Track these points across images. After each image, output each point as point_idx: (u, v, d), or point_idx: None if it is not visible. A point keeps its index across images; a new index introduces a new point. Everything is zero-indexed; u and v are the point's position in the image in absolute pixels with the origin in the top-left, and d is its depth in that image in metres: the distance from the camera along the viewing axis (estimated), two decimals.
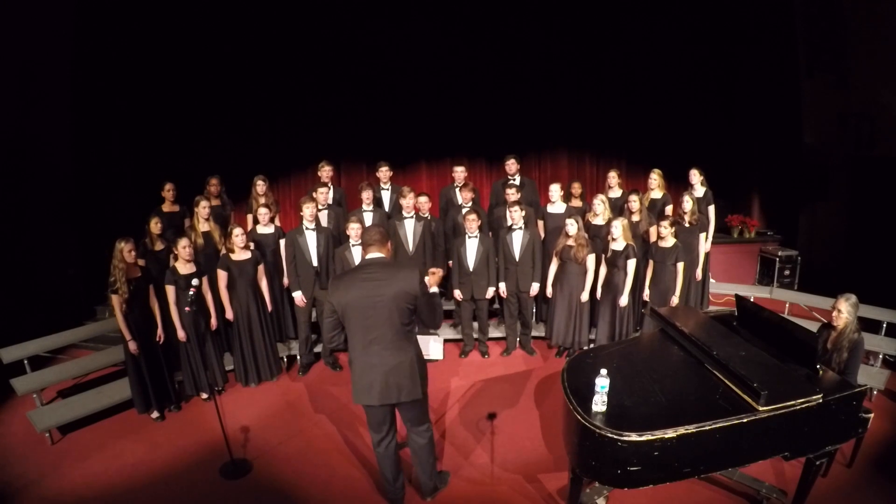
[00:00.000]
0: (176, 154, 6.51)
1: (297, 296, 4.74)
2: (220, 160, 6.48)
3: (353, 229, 4.53)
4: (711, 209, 5.40)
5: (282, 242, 4.91)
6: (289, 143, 7.19)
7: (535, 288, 4.97)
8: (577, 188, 5.83)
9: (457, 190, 5.50)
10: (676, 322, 3.35)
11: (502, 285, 4.96)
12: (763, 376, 2.62)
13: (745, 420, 2.45)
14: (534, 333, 5.42)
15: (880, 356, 4.70)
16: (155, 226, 4.67)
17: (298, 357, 5.02)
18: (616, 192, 5.57)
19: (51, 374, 4.57)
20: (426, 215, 5.13)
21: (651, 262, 4.79)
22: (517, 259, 4.87)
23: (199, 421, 4.19)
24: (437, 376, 4.57)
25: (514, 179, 5.59)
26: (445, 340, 5.38)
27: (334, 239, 4.91)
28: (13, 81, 5.42)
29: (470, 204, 5.27)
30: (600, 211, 5.07)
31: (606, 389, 2.55)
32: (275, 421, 4.19)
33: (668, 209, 5.30)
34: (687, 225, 5.09)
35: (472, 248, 4.83)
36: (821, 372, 2.83)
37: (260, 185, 5.25)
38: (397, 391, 2.85)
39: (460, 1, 7.01)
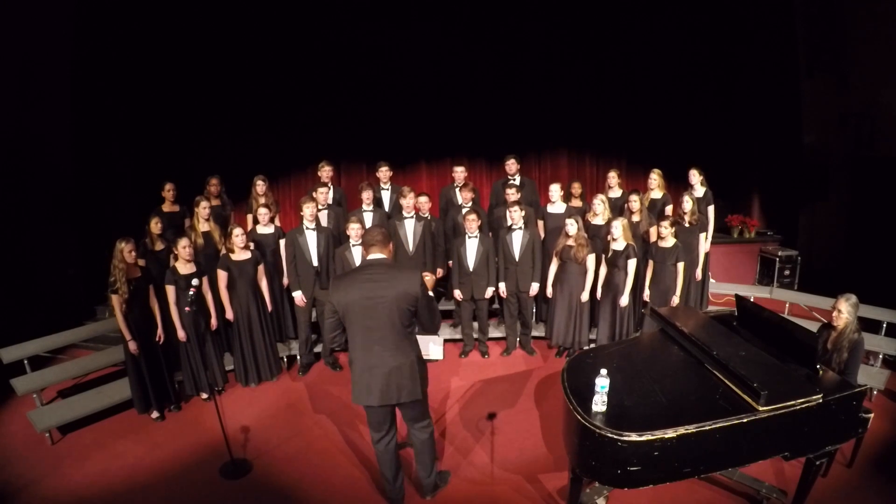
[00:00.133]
0: (176, 154, 6.51)
1: (298, 296, 4.74)
2: (220, 160, 6.48)
3: (354, 229, 4.52)
4: (711, 209, 5.40)
5: (282, 242, 4.91)
6: (289, 143, 7.19)
7: (534, 288, 4.97)
8: (577, 188, 5.83)
9: (457, 190, 5.50)
10: (676, 322, 3.35)
11: (502, 285, 4.96)
12: (763, 376, 2.62)
13: (745, 420, 2.45)
14: (534, 333, 5.42)
15: (880, 356, 4.70)
16: (155, 226, 4.67)
17: (298, 357, 5.02)
18: (616, 192, 5.57)
19: (51, 374, 4.57)
20: (426, 215, 5.13)
21: (651, 263, 4.79)
22: (517, 259, 4.87)
23: (199, 421, 4.19)
24: (437, 376, 4.57)
25: (514, 179, 5.59)
26: (445, 340, 5.38)
27: (334, 239, 4.91)
28: (13, 81, 5.42)
29: (470, 204, 5.27)
30: (600, 211, 5.07)
31: (606, 389, 2.55)
32: (275, 421, 4.19)
33: (668, 209, 5.30)
34: (687, 225, 5.09)
35: (472, 248, 4.83)
36: (821, 372, 2.83)
37: (260, 185, 5.25)
38: (398, 392, 2.85)
39: (460, 1, 7.01)
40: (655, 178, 5.42)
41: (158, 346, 4.22)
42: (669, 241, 4.69)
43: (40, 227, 5.68)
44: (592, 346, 4.96)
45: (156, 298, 4.21)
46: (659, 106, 7.44)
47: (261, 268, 4.66)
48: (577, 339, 4.99)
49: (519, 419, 4.13)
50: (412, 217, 4.98)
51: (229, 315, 4.54)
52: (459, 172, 5.58)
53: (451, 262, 5.13)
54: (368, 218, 5.10)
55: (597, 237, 5.01)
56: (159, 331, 4.20)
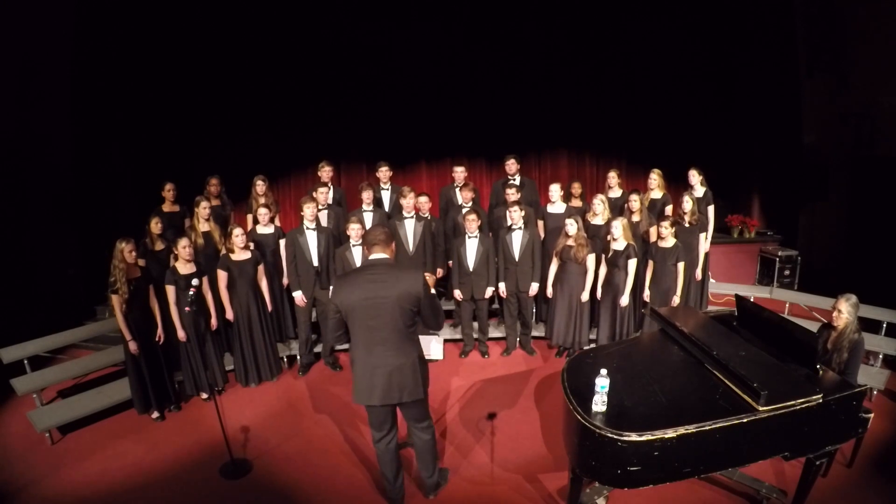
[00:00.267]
0: (176, 154, 6.51)
1: (298, 296, 4.74)
2: (220, 160, 6.49)
3: (354, 230, 4.52)
4: (711, 209, 5.40)
5: (282, 242, 4.91)
6: (289, 143, 7.18)
7: (534, 288, 4.97)
8: (577, 188, 5.83)
9: (457, 190, 5.50)
10: (676, 322, 3.35)
11: (502, 285, 4.96)
12: (763, 376, 2.62)
13: (745, 420, 2.45)
14: (534, 333, 5.42)
15: (880, 356, 4.70)
16: (155, 226, 4.67)
17: (298, 357, 5.02)
18: (616, 192, 5.57)
19: (51, 374, 4.57)
20: (426, 215, 5.13)
21: (651, 263, 4.79)
22: (517, 259, 4.87)
23: (199, 421, 4.19)
24: (437, 376, 4.57)
25: (514, 179, 5.59)
26: (445, 340, 5.38)
27: (335, 239, 4.91)
28: (13, 81, 5.42)
29: (470, 204, 5.27)
30: (600, 211, 5.07)
31: (606, 389, 2.55)
32: (275, 421, 4.19)
33: (668, 209, 5.30)
34: (687, 225, 5.09)
35: (472, 248, 4.83)
36: (821, 372, 2.83)
37: (260, 185, 5.25)
38: (399, 391, 2.85)
39: (460, 1, 7.01)
40: (655, 178, 5.42)
41: (158, 346, 4.22)
42: (669, 241, 4.69)
43: (40, 227, 5.68)
44: (592, 346, 4.96)
45: (156, 298, 4.21)
46: (659, 106, 7.44)
47: (261, 268, 4.66)
48: (577, 339, 4.99)
49: (519, 419, 4.13)
50: (412, 217, 4.98)
51: (229, 315, 4.54)
52: (459, 172, 5.58)
53: (451, 262, 5.13)
54: (368, 218, 5.10)
55: (596, 237, 5.01)
56: (159, 331, 4.20)
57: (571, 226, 4.69)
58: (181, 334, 4.23)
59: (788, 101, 6.92)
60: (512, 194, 5.01)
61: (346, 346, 5.11)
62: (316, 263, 4.72)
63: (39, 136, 5.60)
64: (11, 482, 3.49)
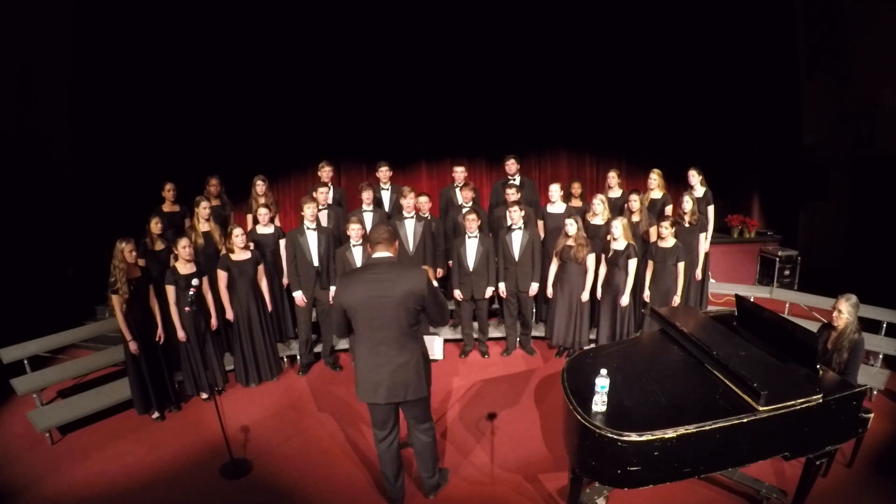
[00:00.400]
0: (176, 154, 6.51)
1: (298, 296, 4.74)
2: (220, 160, 6.48)
3: (354, 230, 4.52)
4: (711, 209, 5.40)
5: (282, 242, 4.91)
6: (289, 143, 7.18)
7: (534, 288, 4.97)
8: (576, 188, 5.83)
9: (457, 190, 5.50)
10: (676, 322, 3.35)
11: (502, 285, 4.96)
12: (763, 376, 2.62)
13: (745, 420, 2.45)
14: (534, 333, 5.42)
15: (880, 356, 4.70)
16: (155, 226, 4.67)
17: (298, 357, 5.02)
18: (616, 192, 5.56)
19: (51, 374, 4.57)
20: (426, 215, 5.13)
21: (651, 263, 4.79)
22: (517, 259, 4.87)
23: (199, 421, 4.19)
24: (437, 376, 4.52)
25: (514, 179, 5.59)
26: (445, 340, 5.38)
27: (335, 239, 4.91)
28: (13, 81, 5.42)
29: (470, 204, 5.27)
30: (599, 211, 5.07)
31: (606, 389, 2.55)
32: (275, 421, 4.19)
33: (668, 209, 5.30)
34: (687, 225, 5.08)
35: (471, 248, 4.83)
36: (821, 372, 2.83)
37: (260, 186, 5.25)
38: (404, 390, 2.86)
39: (460, 1, 7.01)
40: (655, 178, 5.42)
41: (159, 346, 4.22)
42: (669, 241, 4.69)
43: (40, 227, 5.68)
44: (592, 346, 4.96)
45: (156, 298, 4.20)
46: (659, 106, 7.44)
47: (261, 268, 4.66)
48: (578, 339, 4.99)
49: (519, 419, 4.13)
50: (412, 217, 4.98)
51: (229, 315, 4.54)
52: (459, 172, 5.58)
53: (451, 262, 5.13)
54: (368, 218, 5.10)
55: (596, 237, 5.01)
56: (159, 331, 4.20)
57: (571, 226, 4.70)
58: (181, 334, 4.23)
59: (788, 101, 6.92)
60: (512, 194, 5.01)
61: (346, 346, 5.19)
62: (316, 263, 4.72)
63: (39, 136, 5.60)
64: (11, 482, 3.49)
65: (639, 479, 2.45)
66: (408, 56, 7.17)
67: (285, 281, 4.98)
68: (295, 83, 7.05)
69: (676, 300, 4.70)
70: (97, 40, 5.92)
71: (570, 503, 3.00)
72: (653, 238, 4.92)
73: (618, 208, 5.40)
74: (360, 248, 4.57)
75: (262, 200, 5.16)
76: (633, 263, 4.66)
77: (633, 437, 2.37)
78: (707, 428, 2.41)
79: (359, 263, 4.54)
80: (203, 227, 4.85)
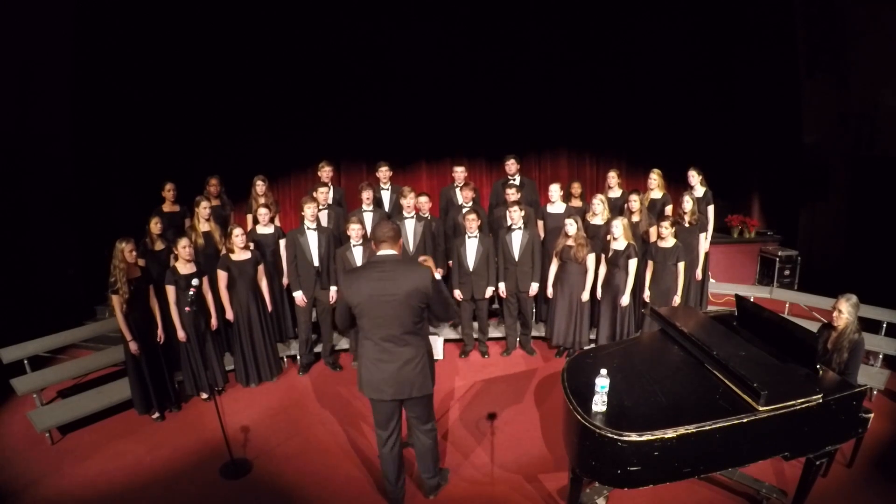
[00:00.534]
0: (176, 154, 6.51)
1: (298, 296, 4.74)
2: (220, 160, 6.48)
3: (354, 230, 4.52)
4: (711, 209, 5.40)
5: (281, 242, 4.91)
6: (289, 143, 7.19)
7: (534, 288, 4.97)
8: (576, 188, 5.84)
9: (457, 190, 5.50)
10: (676, 322, 3.35)
11: (502, 285, 4.96)
12: (763, 376, 2.62)
13: (745, 420, 2.45)
14: (534, 333, 5.42)
15: (880, 356, 4.70)
16: (155, 226, 4.67)
17: (298, 357, 5.02)
18: (616, 192, 5.56)
19: (51, 374, 4.57)
20: (426, 215, 5.13)
21: (651, 263, 4.79)
22: (517, 259, 4.87)
23: (199, 421, 4.19)
24: (437, 376, 4.47)
25: (514, 179, 5.59)
26: (445, 340, 5.38)
27: (335, 239, 4.91)
28: (13, 81, 5.42)
29: (470, 204, 5.27)
30: (599, 211, 5.07)
31: (606, 389, 2.55)
32: (275, 421, 4.19)
33: (668, 209, 5.30)
34: (687, 225, 5.09)
35: (471, 248, 4.83)
36: (821, 372, 2.83)
37: (260, 186, 5.25)
38: (409, 387, 2.88)
39: (460, 1, 7.01)
40: (655, 178, 5.42)
41: (159, 346, 4.22)
42: (669, 241, 4.69)
43: (40, 227, 5.68)
44: (592, 346, 4.96)
45: (156, 298, 4.20)
46: (659, 106, 7.44)
47: (261, 268, 4.66)
48: (578, 339, 4.99)
49: (519, 419, 4.13)
50: (412, 217, 4.98)
51: (229, 315, 4.54)
52: (459, 172, 5.58)
53: (451, 262, 5.13)
54: (368, 218, 5.09)
55: (596, 237, 5.01)
56: (159, 331, 4.19)
57: (571, 226, 4.70)
58: (181, 334, 4.23)
59: (788, 101, 6.92)
60: (512, 194, 5.01)
61: (346, 345, 5.19)
62: (317, 263, 4.72)
63: (39, 136, 5.60)
64: (11, 482, 3.49)
65: (639, 479, 2.45)
66: (408, 56, 7.17)
67: (285, 281, 4.98)
68: (295, 83, 7.05)
69: (676, 300, 4.70)
70: (97, 40, 5.92)
71: (570, 503, 3.00)
72: (653, 238, 4.92)
73: (618, 208, 5.40)
74: (361, 248, 4.57)
75: (262, 200, 5.16)
76: (633, 263, 4.66)
77: (633, 437, 2.37)
78: (707, 428, 2.41)
79: (359, 263, 4.54)
80: (203, 227, 4.84)
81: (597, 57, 7.37)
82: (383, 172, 5.57)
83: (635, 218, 5.11)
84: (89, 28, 5.83)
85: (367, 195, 5.18)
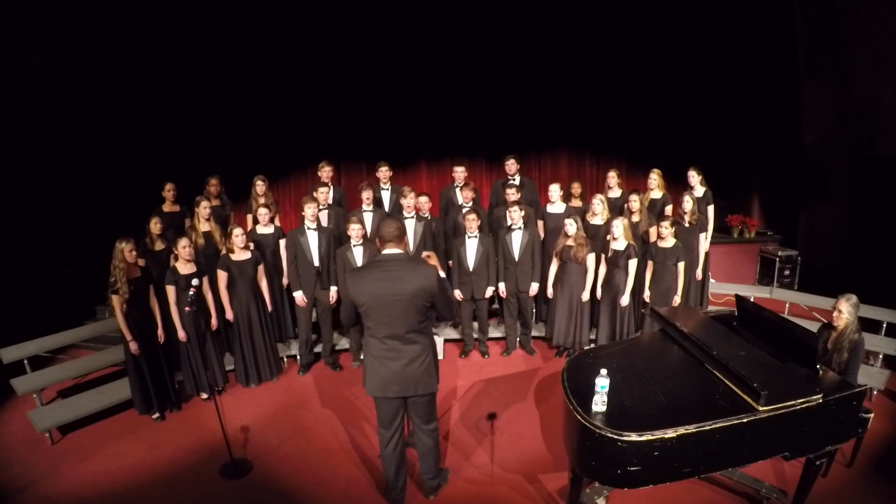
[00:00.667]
0: (176, 154, 6.51)
1: (298, 296, 4.74)
2: (220, 160, 6.48)
3: (354, 230, 4.52)
4: (711, 209, 5.40)
5: (282, 242, 4.91)
6: (289, 143, 7.18)
7: (534, 288, 4.97)
8: (576, 188, 5.83)
9: (457, 190, 5.50)
10: (676, 322, 3.35)
11: (502, 285, 4.96)
12: (763, 376, 2.62)
13: (745, 420, 2.45)
14: (534, 333, 5.42)
15: (880, 356, 4.70)
16: (155, 226, 4.67)
17: (298, 357, 5.02)
18: (616, 192, 5.56)
19: (51, 374, 4.56)
20: (426, 215, 5.13)
21: (651, 263, 4.79)
22: (517, 259, 4.87)
23: (199, 421, 4.19)
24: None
25: (513, 179, 5.59)
26: (445, 340, 5.38)
27: (335, 239, 4.91)
28: (13, 81, 5.42)
29: (470, 204, 5.27)
30: (599, 211, 5.07)
31: (606, 389, 2.55)
32: (275, 421, 4.19)
33: (668, 209, 5.30)
34: (687, 225, 5.09)
35: (471, 248, 4.83)
36: (821, 372, 2.83)
37: (260, 186, 5.25)
38: (415, 385, 2.89)
39: (460, 1, 7.01)
40: (655, 178, 5.42)
41: (159, 346, 4.22)
42: (669, 241, 4.69)
43: (40, 227, 5.68)
44: (592, 346, 4.96)
45: (156, 298, 4.20)
46: (659, 106, 7.44)
47: (261, 268, 4.66)
48: (578, 339, 4.99)
49: (519, 419, 4.13)
50: (412, 217, 4.98)
51: (229, 315, 4.54)
52: (459, 172, 5.58)
53: (451, 261, 5.13)
54: (368, 218, 5.09)
55: (596, 237, 5.00)
56: (160, 331, 4.19)
57: (571, 226, 4.70)
58: (181, 334, 4.23)
59: (788, 101, 6.92)
60: (512, 194, 5.01)
61: (346, 345, 5.18)
62: (317, 263, 4.72)
63: (39, 136, 5.60)
64: (11, 482, 3.49)
65: (639, 479, 2.45)
66: (408, 56, 7.17)
67: (285, 281, 4.98)
68: (295, 83, 7.05)
69: (676, 300, 4.70)
70: (97, 40, 5.92)
71: (570, 503, 3.00)
72: (653, 238, 4.92)
73: (617, 208, 5.40)
74: (361, 248, 4.57)
75: (262, 200, 5.16)
76: (633, 264, 4.66)
77: (633, 437, 2.37)
78: (707, 428, 2.41)
79: (359, 263, 4.54)
80: (203, 227, 4.84)
81: (597, 57, 7.37)
82: (383, 172, 5.57)
83: (635, 218, 5.11)
84: (89, 28, 5.83)
85: (367, 195, 5.18)
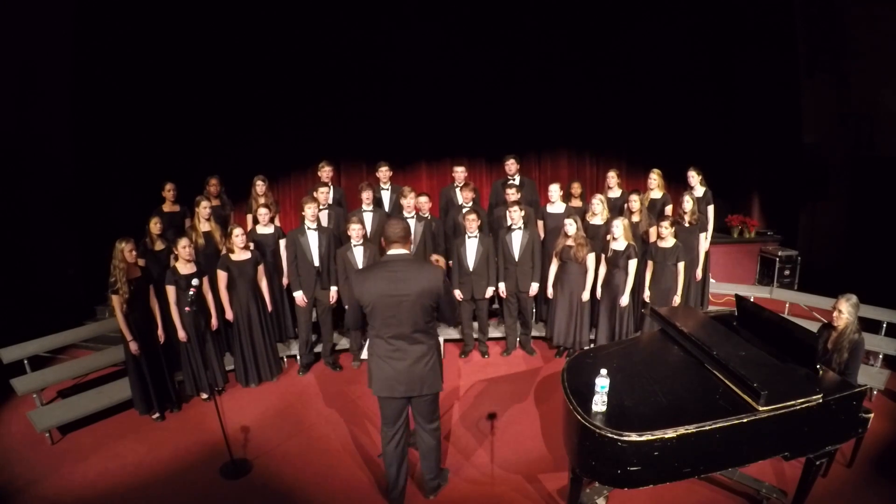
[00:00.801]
0: (176, 154, 6.51)
1: (298, 296, 4.74)
2: (220, 160, 6.48)
3: (355, 230, 4.52)
4: (711, 209, 5.40)
5: (282, 242, 4.91)
6: (289, 143, 7.18)
7: (534, 288, 4.97)
8: (576, 188, 5.84)
9: (457, 190, 5.50)
10: (676, 322, 3.35)
11: (502, 285, 4.96)
12: (763, 376, 2.62)
13: (745, 420, 2.45)
14: (534, 333, 5.42)
15: (880, 356, 4.70)
16: (155, 226, 4.67)
17: (298, 357, 5.02)
18: (615, 192, 5.56)
19: (51, 374, 4.57)
20: (426, 215, 5.13)
21: (651, 263, 4.79)
22: (517, 259, 4.87)
23: (200, 421, 4.19)
24: None
25: (513, 179, 5.59)
26: (445, 340, 5.38)
27: (336, 239, 4.91)
28: (13, 81, 5.42)
29: (470, 204, 5.27)
30: (598, 211, 5.07)
31: (606, 389, 2.55)
32: (275, 421, 4.19)
33: (668, 209, 5.30)
34: (687, 225, 5.09)
35: (471, 248, 4.83)
36: (821, 372, 2.83)
37: (260, 186, 5.25)
38: (420, 384, 2.90)
39: (460, 1, 7.01)
40: (655, 178, 5.42)
41: (159, 346, 4.22)
42: (669, 241, 4.69)
43: (40, 228, 5.68)
44: (592, 346, 4.96)
45: (156, 298, 4.20)
46: (659, 106, 7.43)
47: (261, 268, 4.66)
48: (578, 339, 4.99)
49: (519, 419, 4.13)
50: (412, 217, 4.98)
51: (229, 315, 4.54)
52: (460, 172, 5.58)
53: (450, 261, 5.12)
54: (368, 218, 5.10)
55: (596, 237, 5.00)
56: (160, 331, 4.19)
57: (570, 226, 4.70)
58: (181, 334, 4.23)
59: (788, 101, 6.92)
60: (512, 194, 5.01)
61: (346, 345, 5.18)
62: (317, 263, 4.72)
63: (39, 136, 5.60)
64: (11, 482, 3.49)
65: (639, 479, 2.45)
66: (408, 56, 7.16)
67: (285, 281, 4.98)
68: (295, 83, 7.05)
69: (676, 300, 4.70)
70: (97, 40, 5.92)
71: (570, 503, 3.00)
72: (652, 238, 4.92)
73: (617, 208, 5.40)
74: (361, 248, 4.57)
75: (262, 200, 5.16)
76: (633, 264, 4.66)
77: (633, 437, 2.37)
78: (707, 428, 2.41)
79: (359, 263, 4.54)
80: (203, 227, 4.85)
81: (597, 57, 7.36)
82: (383, 172, 5.57)
83: (635, 218, 5.11)
84: (89, 28, 5.83)
85: (367, 195, 5.18)
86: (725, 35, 7.22)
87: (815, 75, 6.66)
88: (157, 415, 4.22)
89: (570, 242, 4.75)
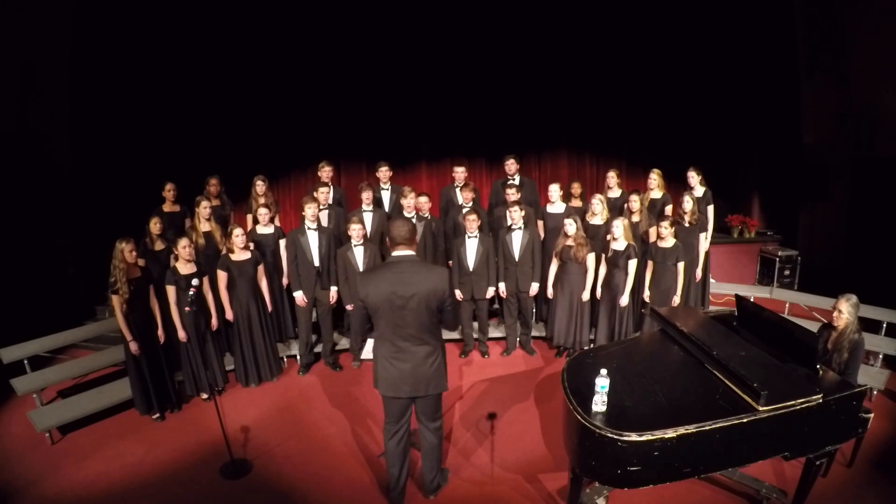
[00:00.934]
0: (176, 154, 6.51)
1: (299, 296, 4.74)
2: (220, 160, 6.49)
3: (355, 230, 4.52)
4: (711, 209, 5.40)
5: (282, 243, 4.91)
6: (289, 143, 7.19)
7: (534, 288, 4.97)
8: (576, 188, 5.84)
9: (457, 190, 5.50)
10: (676, 322, 3.35)
11: (502, 285, 4.96)
12: (763, 376, 2.62)
13: (745, 420, 2.45)
14: (534, 333, 5.42)
15: (880, 356, 4.70)
16: (155, 226, 4.67)
17: (298, 357, 5.02)
18: (615, 192, 5.56)
19: (51, 374, 4.57)
20: (426, 215, 5.13)
21: (651, 263, 4.79)
22: (517, 259, 4.87)
23: (200, 421, 4.19)
24: None
25: (513, 179, 5.59)
26: (445, 340, 5.36)
27: (336, 239, 4.91)
28: (13, 81, 5.42)
29: (470, 204, 5.27)
30: (598, 211, 5.07)
31: (606, 389, 2.55)
32: (275, 421, 4.19)
33: (668, 209, 5.30)
34: (687, 225, 5.09)
35: (471, 248, 4.83)
36: (821, 372, 2.83)
37: (260, 186, 5.25)
38: (425, 384, 2.92)
39: (460, 1, 7.01)
40: (655, 178, 5.42)
41: (159, 346, 4.22)
42: (669, 241, 4.69)
43: (40, 227, 5.68)
44: (592, 346, 4.96)
45: (156, 299, 4.20)
46: (659, 106, 7.44)
47: (261, 268, 4.66)
48: (578, 339, 4.99)
49: (519, 419, 4.13)
50: (412, 217, 4.98)
51: (229, 315, 4.54)
52: (460, 172, 5.58)
53: (451, 261, 5.13)
54: (368, 218, 5.10)
55: (596, 237, 5.00)
56: (160, 331, 4.19)
57: (570, 226, 4.70)
58: (182, 334, 4.22)
59: (788, 101, 6.92)
60: (512, 194, 5.01)
61: (346, 346, 5.18)
62: (317, 263, 4.72)
63: (39, 136, 5.60)
64: (11, 482, 3.49)
65: (639, 479, 2.45)
66: (408, 56, 7.17)
67: (285, 281, 4.98)
68: (295, 83, 7.05)
69: (676, 300, 4.70)
70: (97, 40, 5.92)
71: (570, 503, 3.00)
72: (652, 238, 4.92)
73: (617, 208, 5.40)
74: (361, 248, 4.57)
75: (262, 200, 5.16)
76: (632, 264, 4.65)
77: (633, 437, 2.37)
78: (707, 428, 2.41)
79: (360, 263, 4.54)
80: (204, 227, 4.85)
81: (597, 57, 7.37)
82: (383, 172, 5.57)
83: (635, 218, 5.11)
84: (89, 28, 5.83)
85: (366, 195, 5.18)
86: (725, 35, 7.22)
87: (815, 75, 6.66)
88: (157, 415, 4.22)
89: (570, 242, 4.75)
